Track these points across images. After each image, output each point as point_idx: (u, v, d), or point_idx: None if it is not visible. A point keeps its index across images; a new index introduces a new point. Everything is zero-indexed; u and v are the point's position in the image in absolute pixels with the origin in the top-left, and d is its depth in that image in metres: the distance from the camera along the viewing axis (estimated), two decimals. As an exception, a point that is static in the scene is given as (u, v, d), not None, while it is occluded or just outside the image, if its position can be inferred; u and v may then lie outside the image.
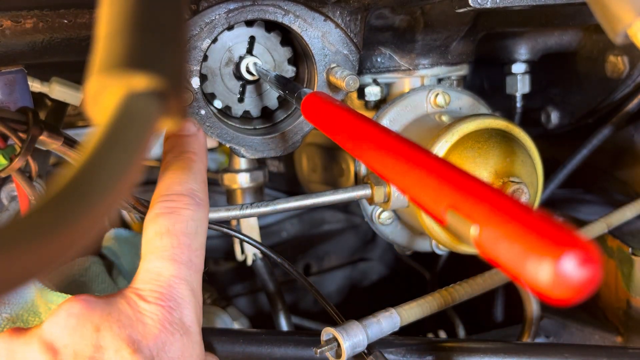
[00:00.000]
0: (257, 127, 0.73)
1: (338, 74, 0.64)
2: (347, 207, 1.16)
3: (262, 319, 1.04)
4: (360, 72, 0.77)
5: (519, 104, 0.86)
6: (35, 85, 0.73)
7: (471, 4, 0.58)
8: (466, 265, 1.03)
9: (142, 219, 0.79)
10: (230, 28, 0.67)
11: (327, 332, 0.57)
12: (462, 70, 0.80)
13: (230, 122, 0.71)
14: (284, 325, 0.84)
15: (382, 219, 0.76)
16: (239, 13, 0.62)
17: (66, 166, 0.23)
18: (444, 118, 0.70)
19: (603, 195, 0.90)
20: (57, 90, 0.74)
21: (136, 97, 0.23)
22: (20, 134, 0.53)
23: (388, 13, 0.70)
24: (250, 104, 0.72)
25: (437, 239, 0.70)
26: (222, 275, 1.03)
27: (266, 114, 0.74)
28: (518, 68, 0.85)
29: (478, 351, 0.62)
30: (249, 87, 0.71)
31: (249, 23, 0.68)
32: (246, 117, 0.73)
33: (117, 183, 0.22)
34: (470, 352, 0.62)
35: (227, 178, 0.84)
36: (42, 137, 0.53)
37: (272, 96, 0.73)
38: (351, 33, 0.66)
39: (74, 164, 0.22)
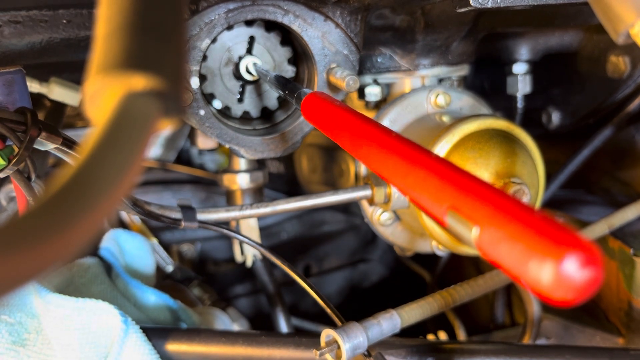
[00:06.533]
0: (257, 127, 0.73)
1: (338, 74, 0.64)
2: (347, 208, 1.16)
3: (261, 320, 1.04)
4: (360, 72, 0.77)
5: (520, 105, 0.86)
6: (34, 86, 0.73)
7: (472, 4, 0.58)
8: (466, 267, 1.03)
9: (141, 219, 0.79)
10: (229, 28, 0.67)
11: (327, 334, 0.56)
12: (463, 70, 0.79)
13: (229, 123, 0.71)
14: (283, 326, 0.84)
15: (382, 220, 0.76)
16: (238, 13, 0.62)
17: (65, 167, 0.23)
18: (445, 118, 0.70)
19: (604, 196, 0.89)
20: (56, 91, 0.74)
21: (135, 98, 0.23)
22: (19, 135, 0.52)
23: (388, 13, 0.70)
24: (250, 105, 0.72)
25: (438, 240, 0.70)
26: (221, 277, 1.02)
27: (266, 114, 0.74)
28: (519, 68, 0.85)
29: (479, 353, 0.62)
30: (248, 88, 0.71)
31: (249, 23, 0.68)
32: (246, 117, 0.73)
33: (116, 184, 0.22)
34: (471, 354, 0.62)
35: (227, 179, 0.84)
36: (40, 138, 0.53)
37: (272, 96, 0.72)
38: (351, 33, 0.66)
39: (72, 164, 0.22)
